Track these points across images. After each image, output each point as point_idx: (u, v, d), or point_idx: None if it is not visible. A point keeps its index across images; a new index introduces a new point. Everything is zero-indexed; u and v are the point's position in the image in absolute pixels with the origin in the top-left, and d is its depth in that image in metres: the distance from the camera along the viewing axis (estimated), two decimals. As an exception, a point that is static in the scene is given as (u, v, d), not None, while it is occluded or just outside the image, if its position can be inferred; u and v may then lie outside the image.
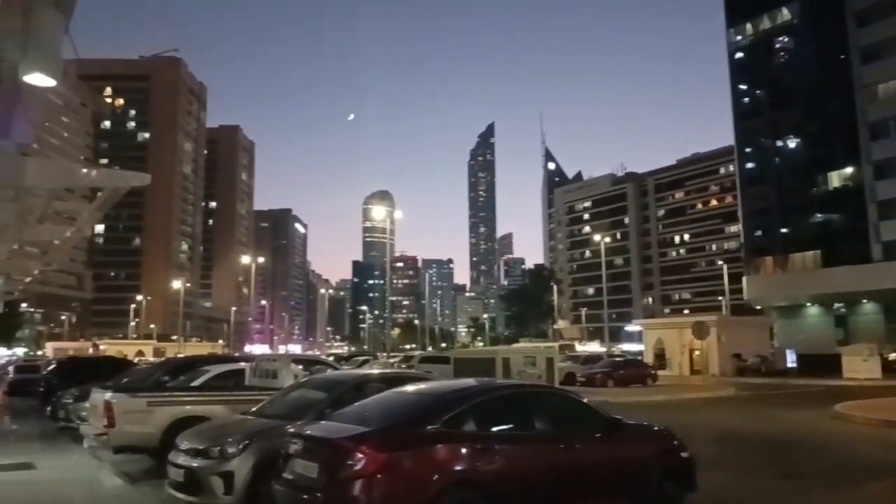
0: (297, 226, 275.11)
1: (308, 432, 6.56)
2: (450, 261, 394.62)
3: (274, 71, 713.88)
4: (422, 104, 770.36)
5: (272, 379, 11.32)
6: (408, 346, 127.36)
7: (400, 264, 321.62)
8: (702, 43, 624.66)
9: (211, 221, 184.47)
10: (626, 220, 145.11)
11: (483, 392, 7.32)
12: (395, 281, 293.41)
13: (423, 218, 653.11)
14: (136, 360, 34.68)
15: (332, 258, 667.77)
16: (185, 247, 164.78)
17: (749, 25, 65.25)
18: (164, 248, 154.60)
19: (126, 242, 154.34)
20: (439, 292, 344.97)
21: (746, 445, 14.56)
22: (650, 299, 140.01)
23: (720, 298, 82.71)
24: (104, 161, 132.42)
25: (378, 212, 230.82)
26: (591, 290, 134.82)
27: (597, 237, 76.05)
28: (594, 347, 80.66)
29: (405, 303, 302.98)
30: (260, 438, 7.57)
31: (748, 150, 65.85)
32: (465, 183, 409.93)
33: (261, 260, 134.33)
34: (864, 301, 53.56)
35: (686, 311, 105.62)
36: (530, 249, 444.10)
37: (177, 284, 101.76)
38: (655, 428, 8.58)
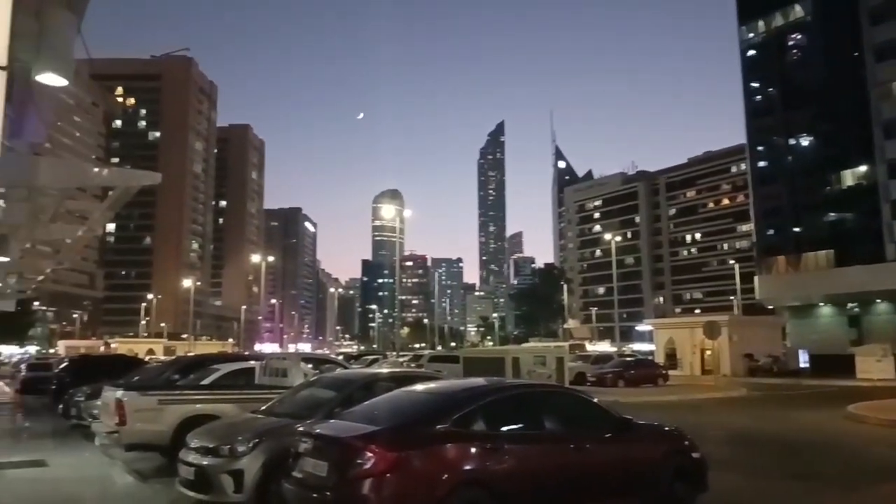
0: (307, 225, 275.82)
1: (318, 431, 6.56)
2: (459, 260, 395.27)
3: (284, 70, 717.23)
4: (431, 103, 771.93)
5: (282, 378, 11.35)
6: (417, 346, 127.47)
7: (409, 263, 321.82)
8: (713, 41, 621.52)
9: (221, 220, 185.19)
10: (637, 219, 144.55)
11: (493, 392, 7.31)
12: (404, 280, 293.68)
13: (432, 217, 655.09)
14: (146, 359, 34.88)
15: (341, 257, 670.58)
16: (195, 246, 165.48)
17: (761, 23, 64.78)
18: (175, 247, 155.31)
19: (137, 241, 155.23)
20: (449, 291, 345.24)
21: (758, 446, 14.46)
22: (661, 299, 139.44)
23: (732, 298, 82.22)
24: (115, 160, 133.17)
25: (387, 211, 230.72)
26: (601, 290, 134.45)
27: (607, 236, 75.79)
28: (605, 347, 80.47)
29: (415, 302, 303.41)
30: (270, 437, 7.58)
31: (760, 148, 65.41)
32: (474, 182, 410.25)
33: (271, 259, 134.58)
34: (878, 301, 53.06)
35: (697, 311, 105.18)
36: (540, 248, 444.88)
37: (187, 283, 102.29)
38: (666, 428, 8.54)
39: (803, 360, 43.40)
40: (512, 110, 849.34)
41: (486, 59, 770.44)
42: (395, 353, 49.99)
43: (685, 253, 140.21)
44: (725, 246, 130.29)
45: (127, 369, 17.71)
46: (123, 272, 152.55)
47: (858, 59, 54.97)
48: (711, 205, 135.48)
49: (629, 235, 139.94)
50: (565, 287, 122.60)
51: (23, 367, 34.69)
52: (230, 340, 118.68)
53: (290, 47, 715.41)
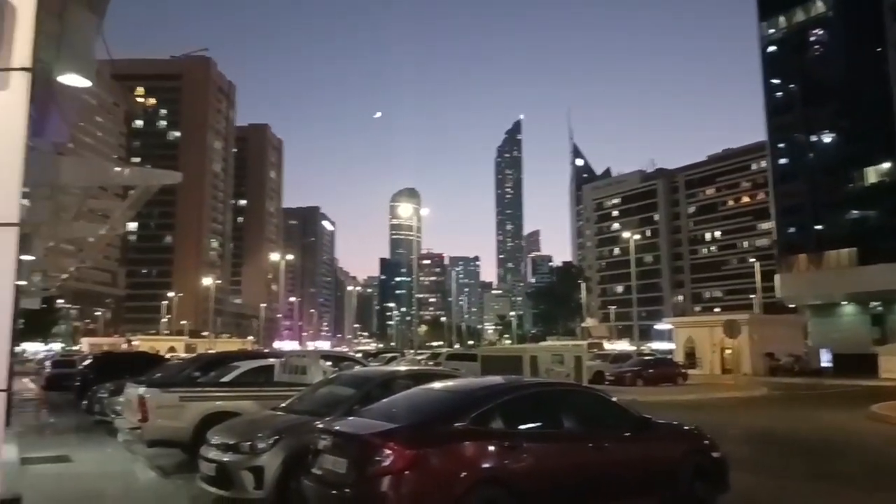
0: (325, 223, 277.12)
1: (337, 428, 6.60)
2: (476, 258, 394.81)
3: (302, 69, 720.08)
4: (449, 101, 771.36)
5: (301, 375, 11.43)
6: (435, 344, 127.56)
7: (427, 261, 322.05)
8: (732, 37, 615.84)
9: (241, 219, 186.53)
10: (656, 217, 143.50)
11: (511, 390, 7.31)
12: (421, 278, 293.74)
13: (449, 215, 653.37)
14: (168, 356, 35.25)
15: (359, 255, 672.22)
16: (215, 244, 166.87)
17: (782, 18, 64.04)
18: (195, 245, 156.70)
19: (158, 240, 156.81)
20: (466, 290, 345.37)
21: (779, 446, 14.32)
22: (680, 297, 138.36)
23: (752, 297, 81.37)
24: (136, 160, 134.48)
25: (405, 209, 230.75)
26: (620, 288, 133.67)
27: (626, 234, 75.18)
28: (623, 346, 79.98)
29: (432, 300, 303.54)
30: (289, 434, 7.64)
31: (781, 145, 64.66)
32: (491, 180, 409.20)
33: (290, 257, 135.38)
34: (902, 300, 52.30)
35: (717, 310, 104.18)
36: (558, 247, 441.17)
37: (207, 281, 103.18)
38: (686, 427, 8.49)
39: (825, 360, 42.94)
40: (529, 108, 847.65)
41: (504, 57, 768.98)
42: (412, 351, 50.11)
43: (705, 251, 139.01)
44: (745, 244, 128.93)
45: (149, 366, 17.92)
46: (145, 270, 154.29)
47: (881, 54, 54.12)
48: (731, 202, 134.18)
49: (648, 233, 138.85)
50: (583, 285, 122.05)
51: (47, 364, 35.14)
52: (250, 338, 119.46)
53: (307, 47, 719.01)
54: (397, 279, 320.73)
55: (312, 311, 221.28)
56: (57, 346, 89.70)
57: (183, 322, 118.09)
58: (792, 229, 62.81)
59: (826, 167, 58.83)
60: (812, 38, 62.51)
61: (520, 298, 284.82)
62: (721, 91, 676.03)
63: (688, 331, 52.19)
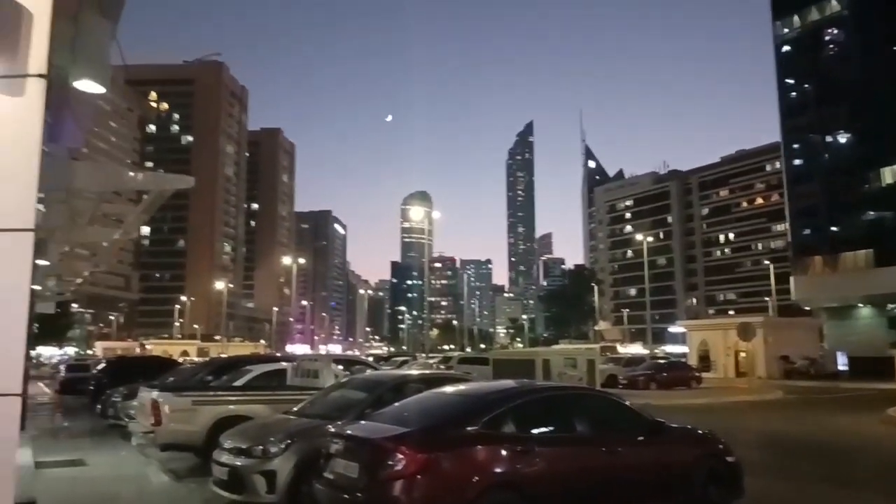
0: (337, 227, 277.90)
1: (348, 432, 6.60)
2: (488, 261, 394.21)
3: (313, 73, 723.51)
4: (460, 104, 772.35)
5: (313, 379, 11.45)
6: (446, 347, 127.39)
7: (438, 265, 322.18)
8: (745, 38, 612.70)
9: (253, 223, 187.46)
10: (670, 219, 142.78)
11: (523, 394, 7.28)
12: (433, 281, 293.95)
13: (461, 218, 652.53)
14: (181, 360, 35.43)
15: (371, 259, 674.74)
16: (227, 248, 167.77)
17: (796, 18, 63.64)
18: (208, 249, 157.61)
19: (171, 244, 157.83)
20: (478, 293, 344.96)
21: (793, 450, 14.19)
22: (694, 300, 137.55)
23: (766, 299, 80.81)
24: (149, 164, 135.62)
25: (416, 212, 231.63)
26: (633, 291, 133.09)
27: (639, 236, 74.93)
28: (636, 349, 79.52)
29: (444, 303, 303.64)
30: (301, 438, 7.65)
31: (795, 146, 64.19)
32: (503, 182, 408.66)
33: (302, 261, 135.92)
34: (920, 302, 51.74)
35: (731, 312, 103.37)
36: (570, 250, 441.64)
37: (220, 285, 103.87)
38: (699, 431, 8.42)
39: (841, 363, 42.54)
40: (541, 110, 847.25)
41: (515, 59, 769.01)
42: (424, 355, 50.08)
43: (718, 253, 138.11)
44: (760, 246, 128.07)
45: (162, 370, 18.02)
46: (158, 274, 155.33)
47: (896, 53, 53.71)
48: (745, 204, 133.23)
49: (661, 236, 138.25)
50: (596, 288, 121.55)
51: (62, 368, 35.42)
52: (262, 342, 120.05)
53: (319, 51, 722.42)
54: (409, 282, 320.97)
55: (324, 314, 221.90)
56: (71, 351, 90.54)
57: (195, 326, 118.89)
58: (807, 231, 62.29)
59: (841, 168, 58.32)
60: (827, 38, 62.07)
61: (532, 301, 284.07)
62: (734, 92, 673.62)
63: (701, 334, 51.88)
